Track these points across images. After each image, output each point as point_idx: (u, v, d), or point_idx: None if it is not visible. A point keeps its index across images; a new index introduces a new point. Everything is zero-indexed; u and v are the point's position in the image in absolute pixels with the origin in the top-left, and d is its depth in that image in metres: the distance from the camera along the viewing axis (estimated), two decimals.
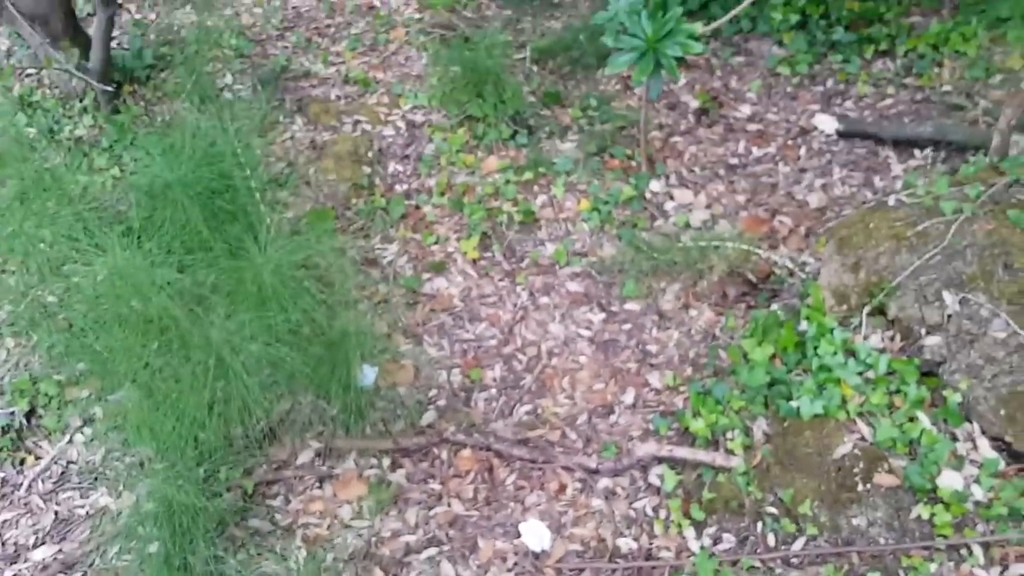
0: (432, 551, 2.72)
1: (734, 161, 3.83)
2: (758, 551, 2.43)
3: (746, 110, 4.03)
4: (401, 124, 4.05)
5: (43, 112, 3.97)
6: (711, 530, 2.59)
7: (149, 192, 2.90)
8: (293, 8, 4.72)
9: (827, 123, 3.83)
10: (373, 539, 2.75)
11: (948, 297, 2.46)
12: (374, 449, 2.99)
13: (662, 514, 2.69)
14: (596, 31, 3.53)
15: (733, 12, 3.30)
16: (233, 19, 4.65)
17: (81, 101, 3.99)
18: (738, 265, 3.30)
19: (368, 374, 3.07)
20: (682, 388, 3.03)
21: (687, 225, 3.54)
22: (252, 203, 2.94)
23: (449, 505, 2.84)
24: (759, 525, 2.52)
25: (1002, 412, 2.30)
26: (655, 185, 3.70)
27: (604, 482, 2.84)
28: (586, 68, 4.23)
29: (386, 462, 2.96)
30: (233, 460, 2.88)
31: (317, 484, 2.91)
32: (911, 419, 2.37)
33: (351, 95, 4.20)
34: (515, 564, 2.66)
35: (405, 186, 3.83)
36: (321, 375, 2.85)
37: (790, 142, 3.85)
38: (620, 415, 3.03)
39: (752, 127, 3.96)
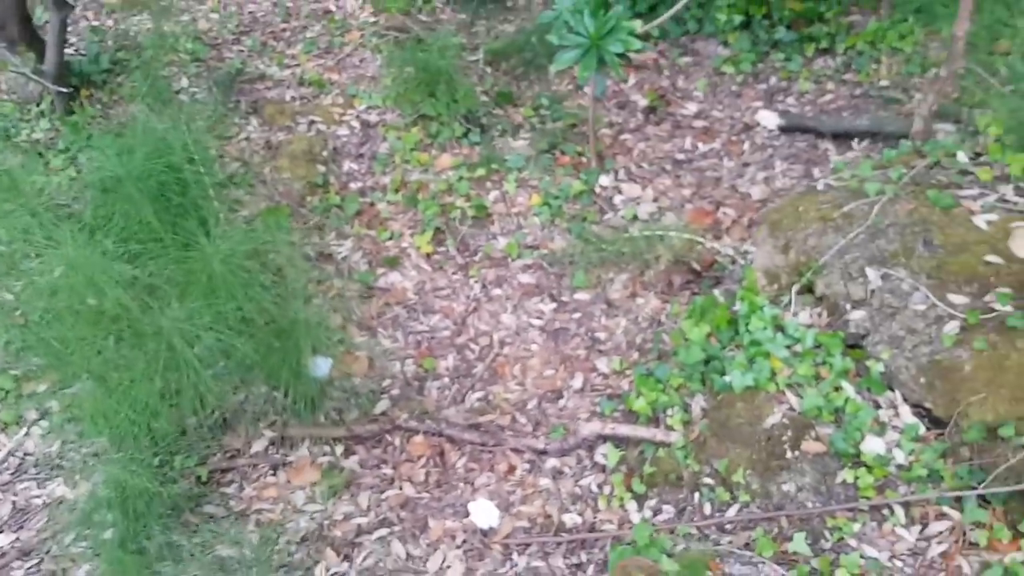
0: (383, 531, 2.82)
1: (681, 156, 3.99)
2: (694, 520, 2.57)
3: (692, 108, 4.20)
4: (356, 124, 4.18)
5: (0, 116, 4.05)
6: (652, 502, 2.72)
7: (102, 188, 2.99)
8: (249, 13, 4.84)
9: (769, 119, 4.01)
10: (326, 522, 2.85)
11: (871, 273, 2.62)
12: (327, 437, 3.09)
13: (606, 490, 2.82)
14: (548, 33, 3.69)
15: (672, 11, 3.47)
16: (189, 24, 4.76)
17: (38, 105, 4.08)
18: (683, 255, 3.45)
19: (321, 365, 3.17)
20: (628, 372, 3.16)
21: (635, 218, 3.69)
22: (204, 197, 3.05)
23: (401, 488, 2.95)
24: (696, 496, 2.65)
25: (922, 380, 2.46)
26: (604, 180, 3.85)
27: (552, 462, 2.96)
28: (538, 69, 4.39)
29: (339, 449, 3.06)
30: (187, 449, 2.97)
31: (271, 471, 3.00)
32: (836, 389, 2.52)
33: (306, 96, 4.32)
34: (464, 542, 2.77)
35: (360, 184, 3.95)
36: (273, 364, 2.95)
37: (734, 137, 4.03)
38: (569, 399, 3.16)
39: (698, 124, 4.13)
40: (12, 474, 3.06)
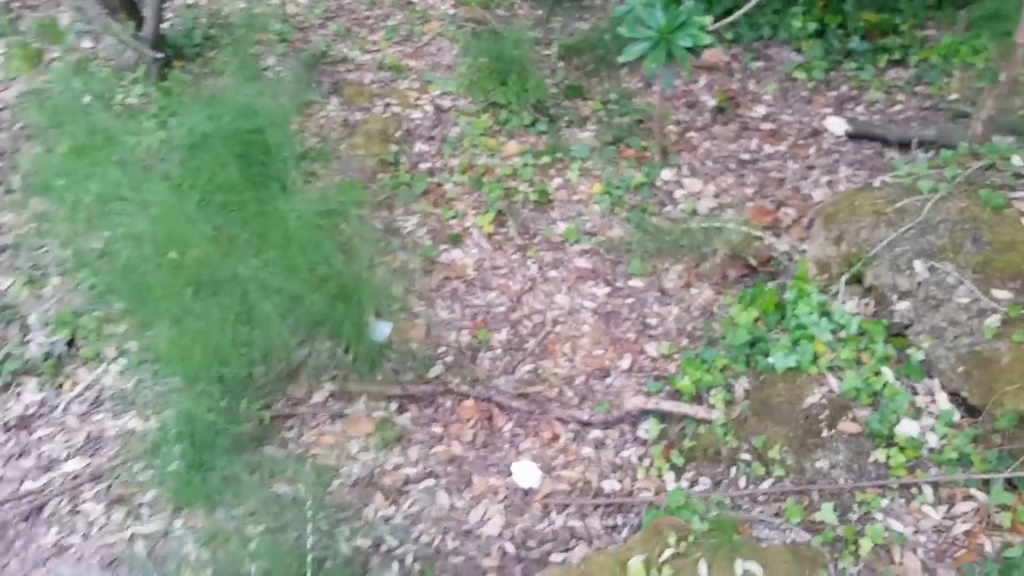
0: (430, 482, 3.07)
1: (745, 156, 4.19)
2: (729, 491, 2.75)
3: (761, 110, 4.40)
4: (429, 108, 4.48)
5: (98, 81, 4.46)
6: (689, 474, 2.91)
7: (191, 145, 3.32)
8: (336, 0, 5.20)
9: (837, 125, 4.18)
10: (376, 470, 3.11)
11: (919, 266, 2.78)
12: (383, 394, 3.36)
13: (645, 461, 3.02)
14: (622, 39, 3.93)
15: (743, 9, 3.68)
16: (279, 7, 5.14)
17: (133, 72, 4.48)
18: (740, 249, 3.64)
19: (382, 328, 3.45)
20: (676, 357, 3.37)
21: (694, 212, 3.89)
22: (283, 162, 3.37)
23: (449, 446, 3.19)
24: (732, 470, 2.84)
25: (960, 369, 2.61)
26: (666, 174, 4.07)
27: (595, 433, 3.18)
28: (609, 66, 4.63)
29: (393, 407, 3.32)
30: (253, 394, 3.27)
31: (329, 421, 3.28)
32: (876, 373, 2.69)
33: (384, 80, 4.64)
34: (505, 498, 3.00)
35: (429, 165, 4.24)
36: (337, 322, 3.23)
37: (801, 141, 4.21)
38: (616, 378, 3.37)
39: (766, 126, 4.32)
40: (89, 405, 3.39)
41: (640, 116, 4.35)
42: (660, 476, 2.94)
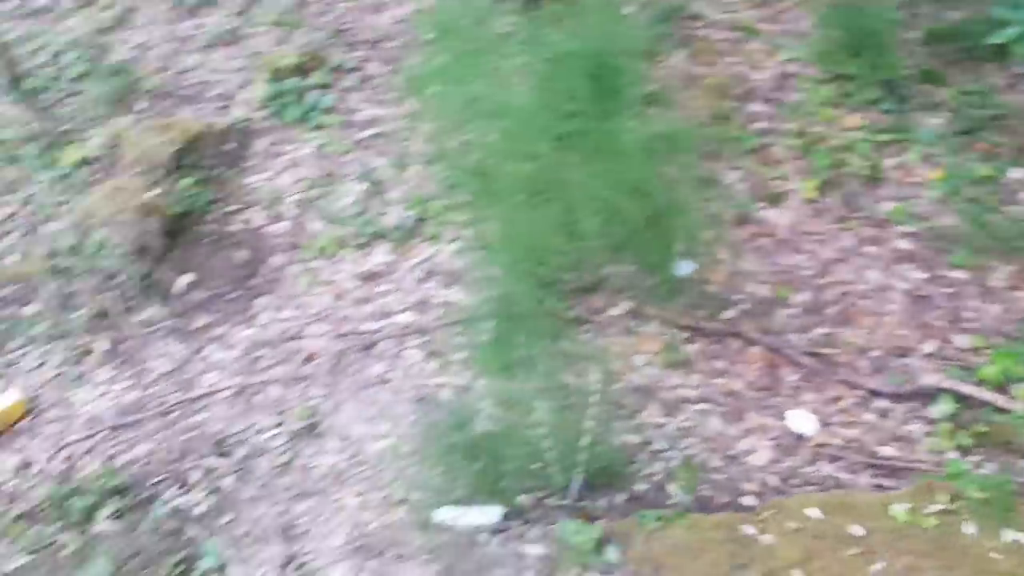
0: (705, 406, 3.33)
1: None
2: (1016, 479, 2.73)
3: None
4: (773, 71, 4.65)
5: (477, 7, 5.13)
6: (975, 458, 2.91)
7: (551, 62, 3.78)
8: None
9: None
10: (656, 384, 3.42)
11: None
12: (676, 323, 3.65)
13: (930, 438, 3.05)
14: (994, 25, 3.83)
15: None
16: None
17: (506, 3, 5.10)
18: None
19: (685, 265, 3.74)
20: (986, 351, 3.32)
21: None
22: (627, 88, 3.73)
23: (729, 381, 3.42)
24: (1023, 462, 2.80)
25: None
26: (1017, 172, 3.94)
27: (881, 402, 3.25)
28: (975, 58, 4.51)
29: (682, 336, 3.61)
30: (560, 294, 3.70)
31: (621, 333, 3.63)
32: None
33: (733, 39, 4.88)
34: (777, 437, 3.19)
35: (762, 125, 4.43)
36: (646, 243, 3.57)
37: None
38: (915, 359, 3.40)
39: None
40: (425, 274, 4.02)
41: (1000, 112, 4.22)
42: (942, 453, 2.96)
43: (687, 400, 3.37)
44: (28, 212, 4.36)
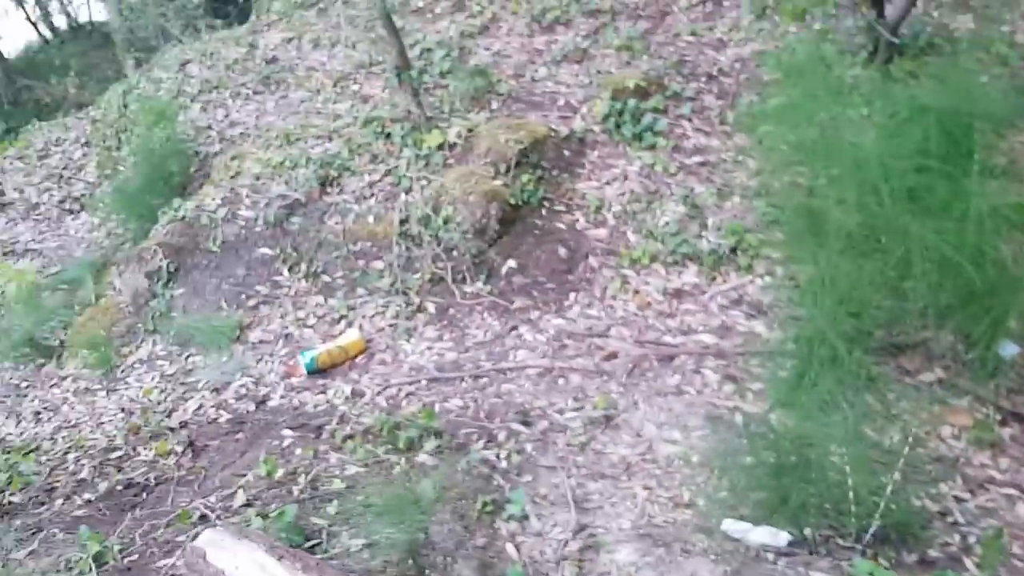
0: (1012, 491, 3.17)
1: None
2: None
3: None
4: None
5: (824, 55, 5.16)
6: None
7: (900, 117, 3.74)
8: None
9: None
10: (962, 459, 3.29)
11: None
12: (992, 402, 3.49)
13: None
14: None
15: None
16: (1007, 34, 5.29)
17: (855, 56, 5.08)
18: None
19: (1010, 347, 3.56)
20: None
21: None
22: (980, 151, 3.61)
23: None
24: None
25: None
26: None
27: None
28: None
29: (996, 416, 3.44)
30: (867, 347, 3.66)
31: (930, 400, 3.53)
32: None
33: None
34: None
35: None
36: (974, 315, 3.44)
37: None
38: None
39: None
40: (730, 302, 4.13)
41: None
42: None
43: (993, 481, 3.22)
44: (390, 182, 4.97)
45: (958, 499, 3.16)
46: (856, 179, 3.56)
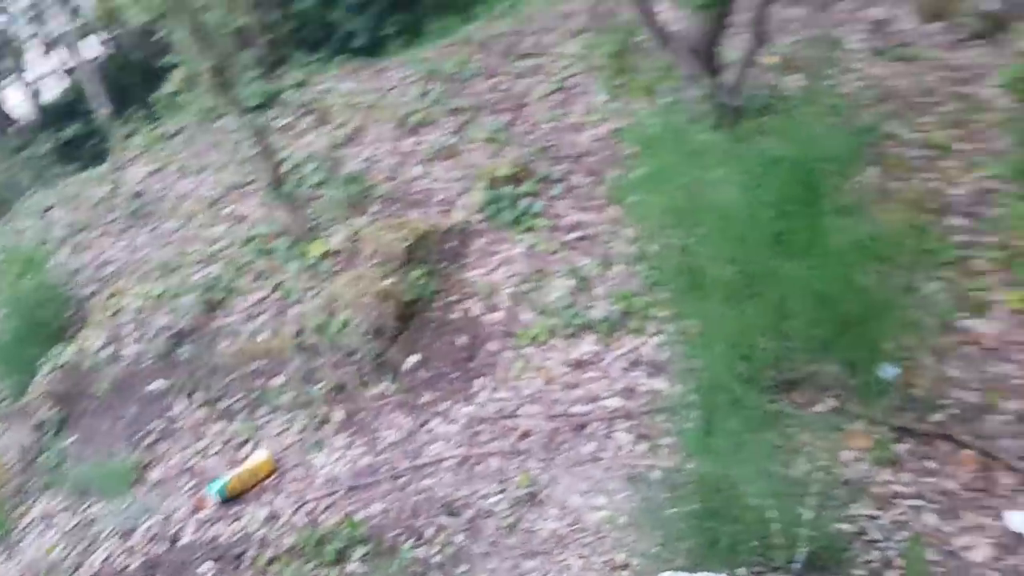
0: (918, 502, 3.34)
1: None
2: None
3: None
4: (970, 187, 4.74)
5: (675, 126, 5.52)
6: None
7: (757, 169, 4.03)
8: (887, 85, 5.72)
9: None
10: (866, 479, 3.47)
11: None
12: (884, 422, 3.70)
13: None
14: None
15: None
16: (835, 88, 5.80)
17: (702, 123, 5.46)
18: None
19: (889, 369, 3.82)
20: None
21: None
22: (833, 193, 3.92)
23: (941, 480, 3.43)
24: None
25: None
26: None
27: None
28: None
29: (890, 435, 3.65)
30: (761, 388, 3.84)
31: (827, 428, 3.71)
32: None
33: (927, 157, 5.01)
34: (996, 536, 3.16)
35: (962, 238, 4.50)
36: (849, 347, 3.69)
37: None
38: None
39: None
40: (629, 364, 4.26)
41: None
42: None
43: (900, 496, 3.40)
44: (278, 297, 4.95)
45: (871, 517, 3.31)
46: (724, 233, 3.79)
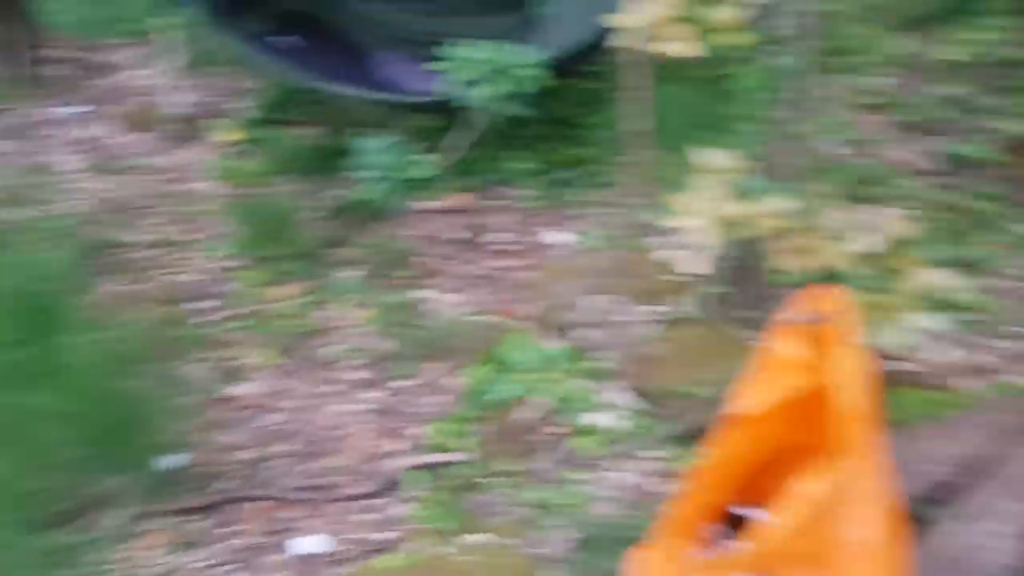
0: (225, 568, 3.49)
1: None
2: None
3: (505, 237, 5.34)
4: (209, 271, 5.12)
5: None
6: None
7: None
8: (111, 197, 5.81)
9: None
10: (177, 567, 3.51)
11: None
12: (171, 510, 3.76)
13: (412, 509, 3.55)
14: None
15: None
16: (58, 212, 5.70)
17: None
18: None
19: (173, 459, 3.92)
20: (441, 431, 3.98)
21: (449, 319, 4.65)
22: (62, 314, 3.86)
23: (241, 540, 3.65)
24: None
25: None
26: (417, 294, 4.88)
27: (370, 501, 3.73)
28: (377, 220, 5.44)
29: (179, 519, 3.73)
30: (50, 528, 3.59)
31: (127, 538, 3.63)
32: None
33: (160, 255, 5.25)
34: (290, 567, 3.46)
35: (213, 316, 4.83)
36: (118, 453, 3.71)
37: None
38: (393, 459, 3.94)
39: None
40: None
41: (398, 252, 5.17)
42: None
43: (203, 570, 3.48)
44: None
45: None
46: None
